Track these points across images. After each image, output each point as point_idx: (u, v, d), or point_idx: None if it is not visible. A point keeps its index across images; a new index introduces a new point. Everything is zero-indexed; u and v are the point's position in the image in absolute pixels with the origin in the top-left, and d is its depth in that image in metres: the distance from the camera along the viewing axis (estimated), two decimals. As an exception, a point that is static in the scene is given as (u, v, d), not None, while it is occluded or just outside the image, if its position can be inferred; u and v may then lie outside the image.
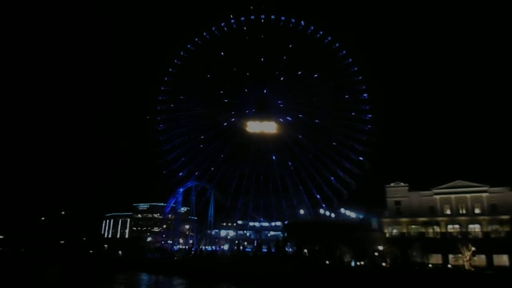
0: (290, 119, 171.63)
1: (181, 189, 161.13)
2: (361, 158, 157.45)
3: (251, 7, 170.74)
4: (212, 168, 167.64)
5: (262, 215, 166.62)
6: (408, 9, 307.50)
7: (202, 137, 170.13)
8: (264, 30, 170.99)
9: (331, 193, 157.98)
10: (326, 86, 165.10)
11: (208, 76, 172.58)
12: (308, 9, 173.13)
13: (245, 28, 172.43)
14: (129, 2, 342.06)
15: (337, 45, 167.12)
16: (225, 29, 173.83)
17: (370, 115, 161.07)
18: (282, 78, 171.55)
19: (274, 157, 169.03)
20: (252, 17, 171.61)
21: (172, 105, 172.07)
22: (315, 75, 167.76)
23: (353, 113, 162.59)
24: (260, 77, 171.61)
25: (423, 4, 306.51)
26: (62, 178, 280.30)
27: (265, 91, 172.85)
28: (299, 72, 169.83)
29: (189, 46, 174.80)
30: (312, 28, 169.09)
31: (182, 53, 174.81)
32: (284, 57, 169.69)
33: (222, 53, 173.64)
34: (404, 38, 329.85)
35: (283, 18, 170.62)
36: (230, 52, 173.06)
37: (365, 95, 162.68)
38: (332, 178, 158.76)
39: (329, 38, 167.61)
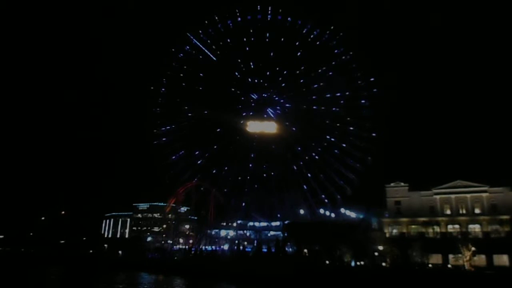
0: (290, 118, 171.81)
1: (181, 189, 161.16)
2: (362, 154, 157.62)
3: (247, 8, 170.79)
4: (213, 168, 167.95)
5: (262, 215, 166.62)
6: (407, 8, 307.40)
7: (203, 137, 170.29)
8: (262, 30, 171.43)
9: (334, 190, 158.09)
10: (325, 84, 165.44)
11: (208, 77, 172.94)
12: (306, 8, 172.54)
13: (243, 29, 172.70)
14: (130, 2, 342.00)
15: (335, 42, 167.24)
16: (222, 30, 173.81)
17: (369, 112, 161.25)
18: (281, 78, 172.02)
19: (274, 157, 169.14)
20: (249, 17, 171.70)
21: (172, 107, 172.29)
22: (315, 74, 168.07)
23: (352, 111, 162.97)
24: (260, 77, 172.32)
25: (423, 3, 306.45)
26: (62, 178, 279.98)
27: (264, 94, 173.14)
28: (297, 72, 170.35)
29: (187, 48, 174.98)
30: (309, 26, 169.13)
31: (180, 55, 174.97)
32: (283, 57, 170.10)
33: (222, 54, 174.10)
34: (404, 38, 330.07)
35: (279, 17, 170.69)
36: (230, 53, 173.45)
37: (366, 92, 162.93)
38: (335, 175, 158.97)
39: (326, 36, 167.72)
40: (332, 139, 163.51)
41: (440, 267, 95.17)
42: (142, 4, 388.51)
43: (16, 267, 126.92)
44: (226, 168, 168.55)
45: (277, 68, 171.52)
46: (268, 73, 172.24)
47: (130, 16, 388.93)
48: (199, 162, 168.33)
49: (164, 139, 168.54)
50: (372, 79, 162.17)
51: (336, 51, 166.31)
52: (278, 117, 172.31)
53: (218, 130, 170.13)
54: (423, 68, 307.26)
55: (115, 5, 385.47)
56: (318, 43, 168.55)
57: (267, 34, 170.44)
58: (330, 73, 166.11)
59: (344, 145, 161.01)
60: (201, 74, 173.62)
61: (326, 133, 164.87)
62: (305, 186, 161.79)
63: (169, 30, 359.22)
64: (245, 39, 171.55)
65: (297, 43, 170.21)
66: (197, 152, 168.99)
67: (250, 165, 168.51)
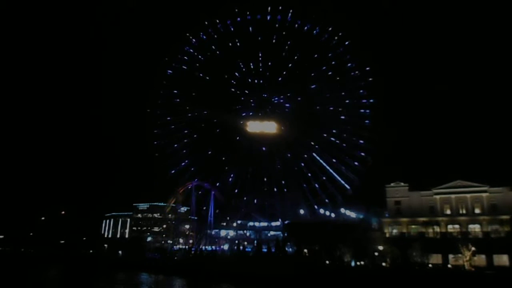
0: (290, 118, 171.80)
1: (181, 189, 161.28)
2: (363, 154, 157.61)
3: (247, 7, 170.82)
4: (213, 168, 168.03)
5: (262, 215, 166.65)
6: (408, 7, 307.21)
7: (203, 138, 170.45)
8: (261, 30, 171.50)
9: (334, 190, 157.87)
10: (325, 83, 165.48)
11: (207, 78, 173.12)
12: (305, 8, 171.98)
13: (242, 29, 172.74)
14: (129, 1, 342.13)
15: (334, 41, 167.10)
16: (222, 30, 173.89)
17: (369, 111, 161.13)
18: (281, 78, 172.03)
19: (274, 157, 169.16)
20: (249, 17, 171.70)
21: (172, 107, 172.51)
22: (315, 74, 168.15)
23: (353, 110, 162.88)
24: (260, 77, 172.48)
25: (424, 2, 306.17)
26: (62, 178, 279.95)
27: (264, 95, 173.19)
28: (297, 72, 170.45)
29: (186, 48, 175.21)
30: (308, 26, 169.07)
31: (180, 56, 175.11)
32: (283, 57, 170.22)
33: (222, 54, 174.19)
34: (405, 37, 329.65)
35: (279, 17, 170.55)
36: (229, 53, 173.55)
37: (366, 91, 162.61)
38: (335, 175, 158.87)
39: (326, 36, 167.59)
40: (332, 139, 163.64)
41: (440, 267, 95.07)
42: (142, 4, 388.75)
43: (16, 267, 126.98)
44: (226, 168, 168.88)
45: (277, 68, 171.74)
46: (268, 73, 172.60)
47: (130, 17, 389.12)
48: (199, 162, 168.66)
49: (164, 139, 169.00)
50: (371, 78, 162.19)
51: (336, 50, 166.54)
52: (278, 117, 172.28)
53: (218, 130, 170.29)
54: (423, 68, 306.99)
55: (115, 5, 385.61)
56: (317, 42, 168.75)
57: (267, 34, 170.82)
58: (330, 73, 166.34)
59: (344, 145, 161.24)
60: (200, 75, 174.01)
61: (326, 132, 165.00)
62: (305, 186, 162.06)
63: (169, 31, 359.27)
64: (244, 39, 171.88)
65: (296, 43, 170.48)
66: (197, 152, 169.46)
67: (250, 165, 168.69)
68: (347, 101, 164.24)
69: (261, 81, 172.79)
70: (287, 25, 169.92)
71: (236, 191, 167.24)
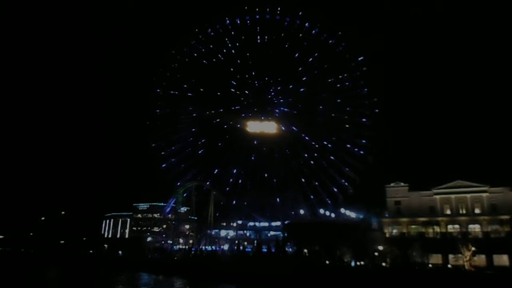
0: (290, 118, 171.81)
1: (181, 189, 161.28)
2: (363, 153, 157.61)
3: (246, 7, 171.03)
4: (213, 168, 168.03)
5: (263, 215, 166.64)
6: (408, 8, 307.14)
7: (203, 138, 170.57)
8: (261, 31, 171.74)
9: (334, 189, 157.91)
10: (325, 83, 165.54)
11: (207, 78, 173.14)
12: (304, 8, 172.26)
13: (241, 29, 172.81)
14: (129, 2, 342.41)
15: (334, 41, 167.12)
16: (221, 30, 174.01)
17: (370, 110, 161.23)
18: (280, 79, 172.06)
19: (274, 157, 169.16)
20: (247, 17, 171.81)
21: (172, 108, 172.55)
22: (316, 72, 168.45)
23: (352, 109, 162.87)
24: (260, 77, 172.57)
25: (424, 3, 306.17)
26: (62, 178, 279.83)
27: (265, 95, 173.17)
28: (300, 68, 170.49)
29: (186, 49, 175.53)
30: (307, 25, 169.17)
31: (179, 57, 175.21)
32: (283, 57, 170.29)
33: (222, 55, 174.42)
34: (405, 37, 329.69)
35: (278, 17, 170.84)
36: (230, 53, 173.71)
37: (366, 91, 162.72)
38: (336, 174, 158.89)
39: (325, 35, 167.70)
40: (333, 138, 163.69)
41: (440, 267, 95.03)
42: (141, 5, 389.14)
43: (16, 267, 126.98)
44: (226, 168, 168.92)
45: (277, 69, 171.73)
46: (267, 73, 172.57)
47: (130, 17, 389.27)
48: (199, 162, 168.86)
49: (164, 140, 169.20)
50: (371, 78, 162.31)
51: (336, 49, 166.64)
52: (278, 117, 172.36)
53: (219, 130, 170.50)
54: (423, 67, 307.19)
55: (115, 6, 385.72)
56: (317, 42, 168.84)
57: (266, 34, 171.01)
58: (329, 72, 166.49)
59: (344, 144, 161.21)
60: (201, 75, 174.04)
61: (326, 132, 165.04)
62: (305, 186, 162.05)
63: (169, 32, 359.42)
64: (244, 40, 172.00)
65: (296, 43, 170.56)
66: (197, 153, 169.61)
67: (251, 165, 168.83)
68: (348, 100, 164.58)
69: (261, 82, 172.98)
70: (286, 25, 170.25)
71: (236, 191, 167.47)
